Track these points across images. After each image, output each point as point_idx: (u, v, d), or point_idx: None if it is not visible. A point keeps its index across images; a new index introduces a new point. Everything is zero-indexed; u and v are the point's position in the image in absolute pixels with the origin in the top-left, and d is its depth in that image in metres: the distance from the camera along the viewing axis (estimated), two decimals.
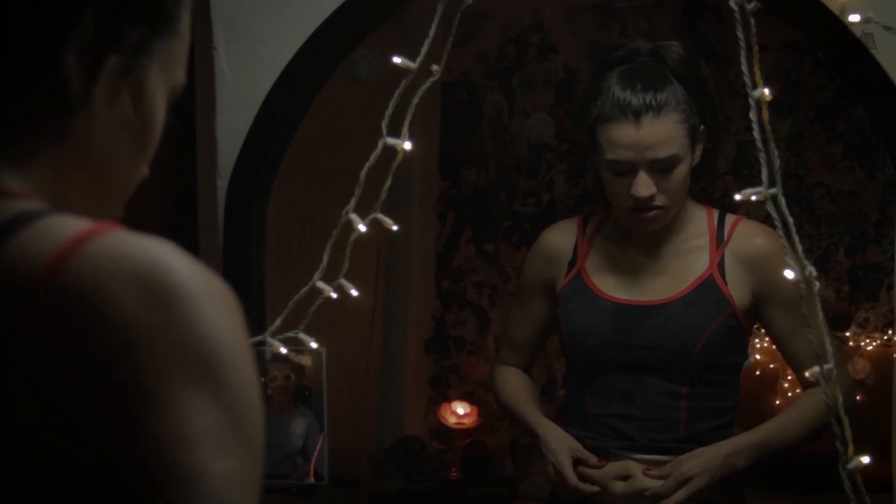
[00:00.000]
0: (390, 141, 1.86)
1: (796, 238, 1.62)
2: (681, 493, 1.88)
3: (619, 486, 1.94)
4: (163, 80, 0.81)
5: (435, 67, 1.85)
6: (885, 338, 3.65)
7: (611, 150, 1.89)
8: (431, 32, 1.83)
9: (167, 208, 2.60)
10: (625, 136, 1.86)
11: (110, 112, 0.78)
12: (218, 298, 0.69)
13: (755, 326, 2.11)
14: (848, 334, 3.69)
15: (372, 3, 2.06)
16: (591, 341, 1.99)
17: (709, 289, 1.95)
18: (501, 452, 3.79)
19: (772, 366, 3.51)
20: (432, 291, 3.89)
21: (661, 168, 1.87)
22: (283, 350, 2.01)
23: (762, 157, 1.62)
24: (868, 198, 3.68)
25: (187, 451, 0.64)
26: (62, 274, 0.65)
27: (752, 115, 1.62)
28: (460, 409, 3.77)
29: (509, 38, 3.80)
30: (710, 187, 3.37)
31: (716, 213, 2.03)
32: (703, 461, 1.89)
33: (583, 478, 1.95)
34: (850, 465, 1.61)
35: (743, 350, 2.02)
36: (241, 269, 2.11)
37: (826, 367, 1.61)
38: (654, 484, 1.91)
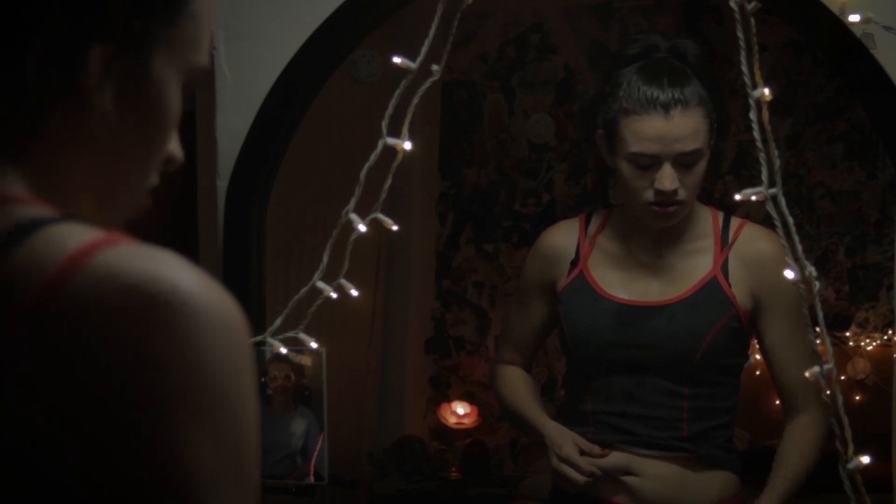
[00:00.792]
0: (390, 141, 1.86)
1: (796, 238, 1.62)
2: None
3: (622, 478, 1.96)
4: (173, 67, 0.77)
5: (435, 67, 1.85)
6: (885, 338, 3.66)
7: (636, 143, 1.87)
8: (431, 32, 1.83)
9: (167, 208, 2.60)
10: (653, 129, 1.86)
11: (111, 104, 0.74)
12: (223, 319, 0.66)
13: None
14: (848, 334, 3.69)
15: (372, 3, 2.06)
16: (593, 340, 1.99)
17: (712, 290, 1.95)
18: (501, 452, 3.79)
19: None
20: (432, 291, 3.89)
21: (684, 162, 1.87)
22: (283, 350, 2.01)
23: (762, 157, 1.62)
24: (868, 198, 3.69)
25: (185, 483, 0.63)
26: (64, 289, 0.63)
27: (752, 115, 1.62)
28: (460, 409, 3.78)
29: (509, 38, 3.80)
30: (710, 187, 3.37)
31: (721, 216, 2.02)
32: None
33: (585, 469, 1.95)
34: (850, 465, 1.61)
35: (744, 351, 2.02)
36: (240, 269, 2.10)
37: (826, 367, 1.61)
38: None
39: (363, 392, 3.54)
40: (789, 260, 1.62)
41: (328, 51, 2.09)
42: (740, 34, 1.64)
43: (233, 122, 2.14)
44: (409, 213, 3.57)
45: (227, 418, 0.65)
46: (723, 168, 3.33)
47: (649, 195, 1.90)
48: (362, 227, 1.90)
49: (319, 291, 1.94)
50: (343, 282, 1.94)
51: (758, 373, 3.47)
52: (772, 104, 1.64)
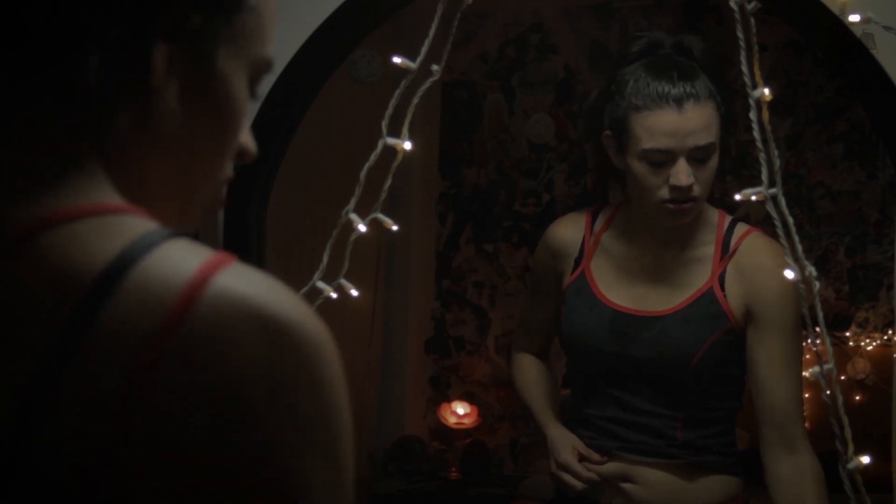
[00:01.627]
0: (390, 141, 1.86)
1: (796, 238, 1.61)
2: None
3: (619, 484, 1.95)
4: (237, 61, 0.77)
5: (435, 67, 1.85)
6: (885, 338, 3.66)
7: (650, 139, 1.85)
8: (431, 32, 1.83)
9: None
10: (667, 123, 1.84)
11: (179, 103, 0.74)
12: (331, 346, 0.68)
13: None
14: (848, 334, 3.69)
15: (372, 3, 2.06)
16: (587, 345, 1.98)
17: (707, 302, 1.92)
18: (501, 452, 3.80)
19: None
20: (432, 291, 3.90)
21: (698, 157, 1.85)
22: None
23: (762, 157, 1.62)
24: (868, 198, 3.69)
25: None
26: (190, 316, 0.64)
27: (752, 115, 1.61)
28: (460, 409, 3.78)
29: (509, 38, 3.80)
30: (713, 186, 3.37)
31: (727, 220, 1.99)
32: None
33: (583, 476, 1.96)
34: (850, 465, 1.61)
35: (744, 361, 1.98)
36: None
37: (826, 367, 1.61)
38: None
39: (363, 392, 3.54)
40: (789, 260, 1.62)
41: (328, 51, 2.09)
42: (740, 34, 1.63)
43: None
44: (409, 213, 3.57)
45: (340, 447, 0.67)
46: (725, 166, 3.33)
47: (664, 192, 1.87)
48: (362, 227, 1.90)
49: (319, 291, 1.94)
50: (343, 282, 1.94)
51: None
52: (772, 104, 1.63)
